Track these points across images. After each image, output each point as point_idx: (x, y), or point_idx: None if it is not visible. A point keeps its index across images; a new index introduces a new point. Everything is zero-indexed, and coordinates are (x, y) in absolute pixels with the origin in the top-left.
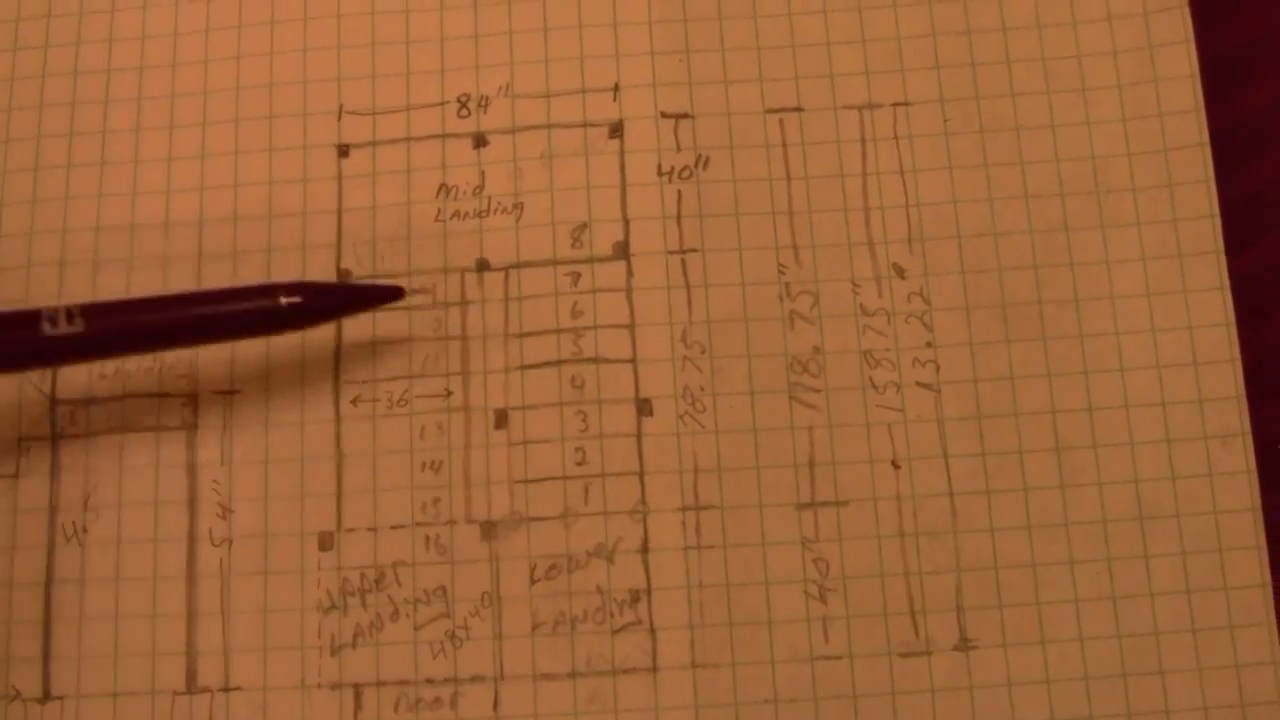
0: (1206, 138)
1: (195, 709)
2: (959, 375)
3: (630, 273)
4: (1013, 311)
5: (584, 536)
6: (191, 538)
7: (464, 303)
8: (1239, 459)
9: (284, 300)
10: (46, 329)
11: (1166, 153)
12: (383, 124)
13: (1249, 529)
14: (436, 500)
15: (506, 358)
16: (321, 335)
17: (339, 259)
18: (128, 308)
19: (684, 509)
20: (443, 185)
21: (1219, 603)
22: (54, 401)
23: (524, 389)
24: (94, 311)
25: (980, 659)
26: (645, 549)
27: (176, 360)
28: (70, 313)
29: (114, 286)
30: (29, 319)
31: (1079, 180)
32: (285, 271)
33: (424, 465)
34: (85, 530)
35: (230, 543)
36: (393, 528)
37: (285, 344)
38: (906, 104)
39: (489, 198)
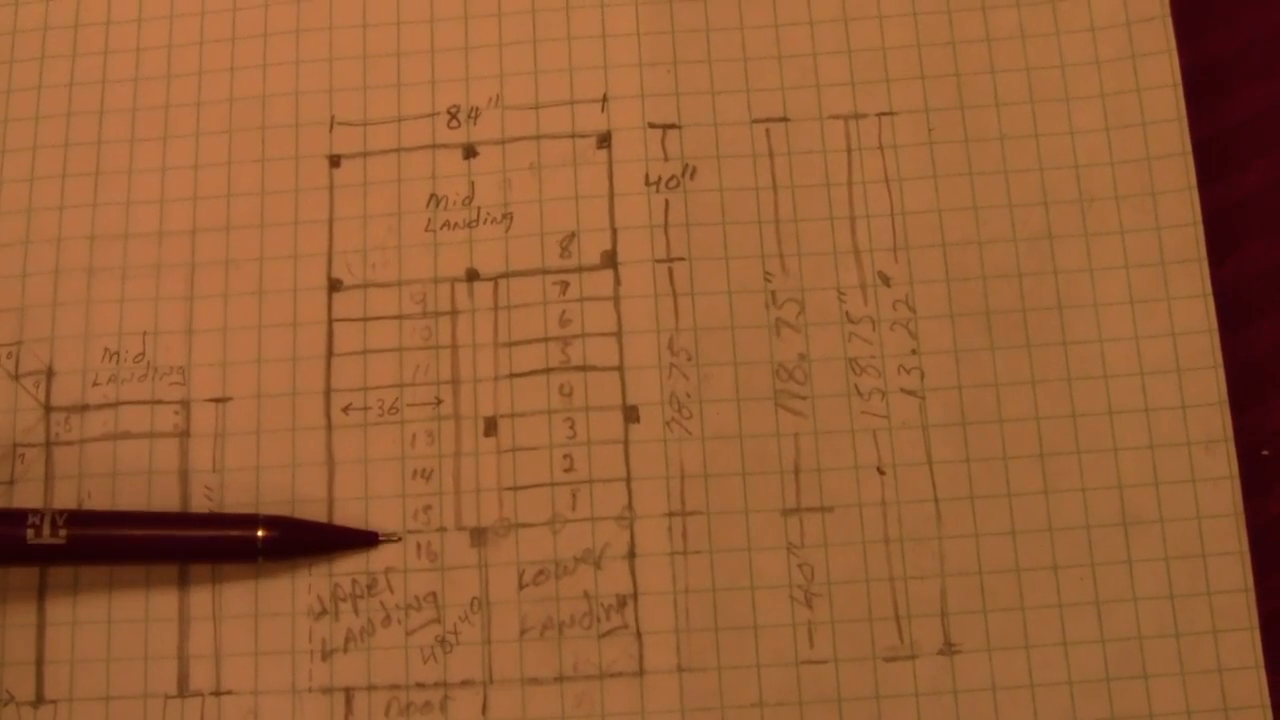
0: (1189, 146)
1: (187, 713)
2: (944, 382)
3: (618, 281)
4: (997, 319)
5: (572, 542)
6: None
7: (454, 312)
8: (1222, 464)
9: (260, 534)
10: (30, 536)
11: (1149, 161)
12: (374, 135)
13: (1232, 534)
14: (427, 507)
15: (496, 366)
16: (313, 344)
17: (330, 268)
18: (110, 521)
19: (670, 515)
20: (433, 195)
21: (1202, 607)
22: (48, 409)
23: (513, 397)
24: (78, 521)
25: (964, 663)
26: (632, 554)
27: (169, 367)
28: (55, 520)
29: (107, 294)
30: (15, 519)
31: (1063, 189)
32: (277, 280)
33: (415, 473)
34: None
35: None
36: (383, 534)
37: (277, 352)
38: (892, 114)
39: (479, 208)
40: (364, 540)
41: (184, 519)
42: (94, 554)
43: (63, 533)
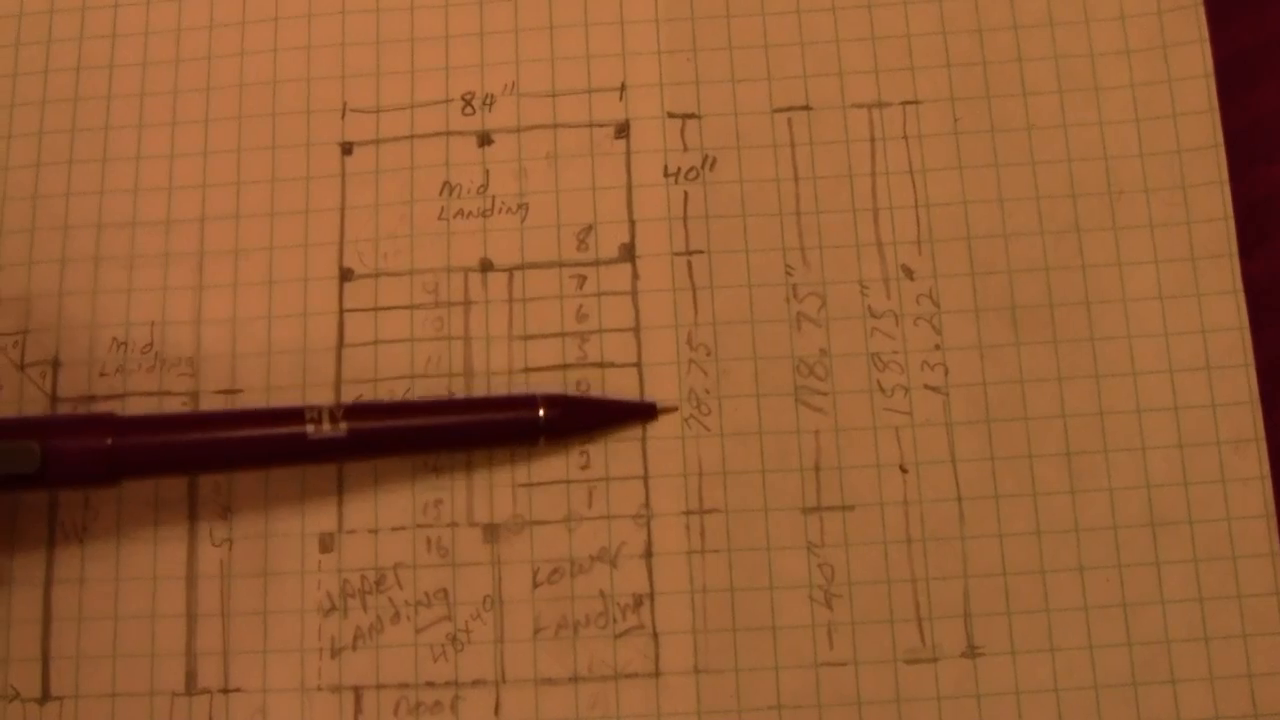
0: (1220, 139)
1: (194, 711)
2: (968, 378)
3: (636, 275)
4: (1023, 314)
5: (587, 540)
6: (191, 538)
7: (467, 303)
8: (1252, 464)
9: (542, 413)
10: (311, 431)
11: (1180, 154)
12: (387, 121)
13: (1263, 536)
14: (438, 502)
15: (510, 360)
16: (323, 333)
17: (341, 257)
18: (388, 412)
19: (688, 513)
20: (446, 183)
21: (1232, 611)
22: (54, 399)
23: (528, 392)
24: (355, 413)
25: (988, 666)
26: (649, 553)
27: (178, 358)
28: (334, 415)
29: (115, 283)
30: (292, 417)
31: (1091, 181)
32: (287, 269)
33: (426, 466)
34: (85, 530)
35: (230, 543)
36: (394, 529)
37: (287, 342)
38: (916, 102)
39: (493, 197)
40: (642, 412)
41: (462, 404)
42: (375, 446)
43: (342, 426)
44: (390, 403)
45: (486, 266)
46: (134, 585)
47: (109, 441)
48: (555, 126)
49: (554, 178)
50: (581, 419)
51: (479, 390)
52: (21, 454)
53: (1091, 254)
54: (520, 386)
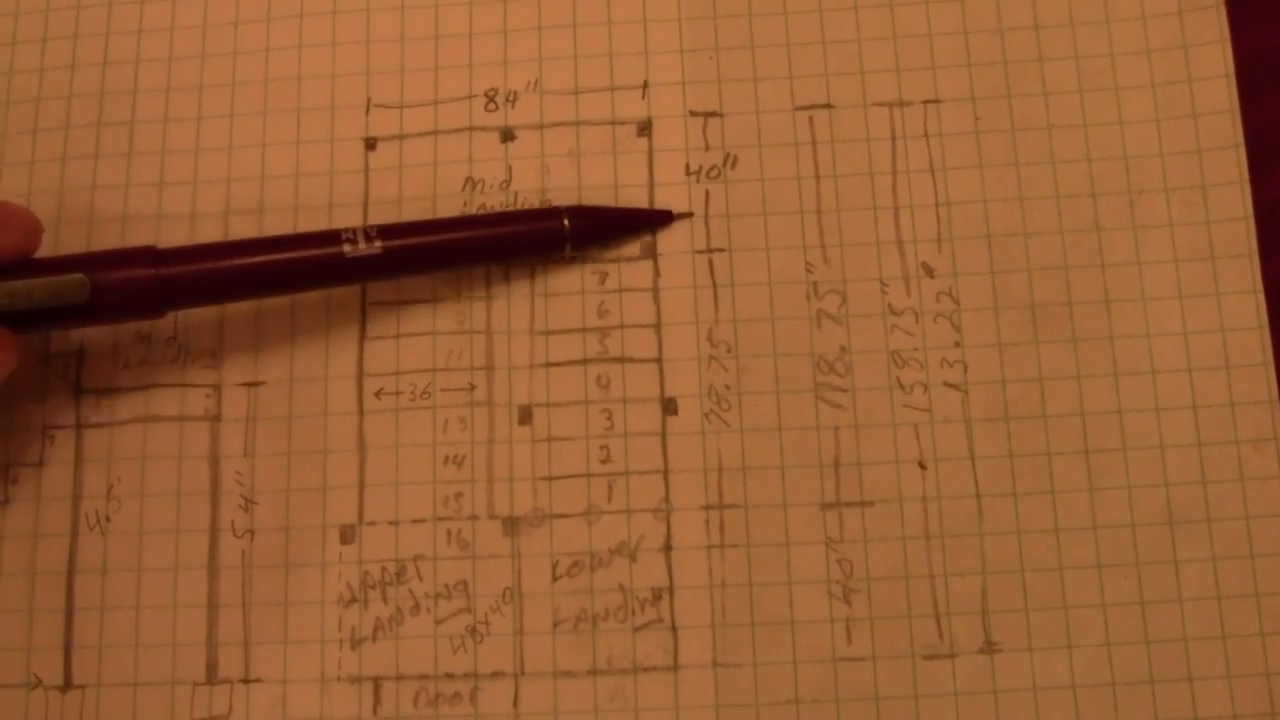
0: (1241, 139)
1: (215, 700)
2: (987, 376)
3: (657, 272)
4: (1042, 312)
5: (607, 534)
6: (213, 529)
7: (489, 297)
8: (1271, 463)
9: (567, 223)
10: (347, 250)
11: (1200, 153)
12: (410, 118)
13: None
14: (458, 495)
15: (532, 354)
16: (346, 326)
17: None
18: (421, 229)
19: (708, 508)
20: (469, 179)
21: (1249, 609)
22: (79, 390)
23: (549, 386)
24: (389, 233)
25: (1005, 663)
26: (668, 547)
27: (201, 350)
28: (368, 234)
29: None
30: (329, 239)
31: (1111, 180)
32: None
33: (446, 459)
34: (108, 520)
35: (252, 534)
36: (414, 521)
37: (309, 335)
38: (937, 101)
39: (516, 193)
40: (660, 219)
41: (491, 219)
42: (410, 262)
43: (377, 244)
44: (423, 221)
45: None
46: (156, 575)
47: (154, 271)
48: (578, 124)
49: (576, 175)
50: (603, 227)
51: (499, 386)
52: (72, 286)
53: (1111, 253)
54: (541, 382)
